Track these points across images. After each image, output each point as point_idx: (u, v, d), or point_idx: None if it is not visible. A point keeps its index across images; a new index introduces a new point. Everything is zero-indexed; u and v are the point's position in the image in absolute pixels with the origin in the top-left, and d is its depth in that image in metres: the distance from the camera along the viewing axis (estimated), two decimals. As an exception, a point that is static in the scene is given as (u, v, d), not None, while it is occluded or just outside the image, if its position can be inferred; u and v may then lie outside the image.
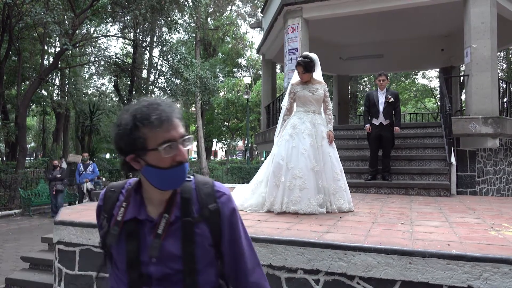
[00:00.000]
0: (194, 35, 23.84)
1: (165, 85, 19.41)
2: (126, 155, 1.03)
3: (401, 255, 2.39)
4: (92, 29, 19.73)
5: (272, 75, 12.68)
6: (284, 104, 4.52)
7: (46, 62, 19.57)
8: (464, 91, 9.78)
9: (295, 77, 4.45)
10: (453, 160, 6.28)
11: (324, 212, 3.88)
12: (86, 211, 4.24)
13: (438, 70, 15.34)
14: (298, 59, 4.31)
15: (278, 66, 15.61)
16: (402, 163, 6.89)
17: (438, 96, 24.12)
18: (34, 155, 36.47)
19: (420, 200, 5.28)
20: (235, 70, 33.36)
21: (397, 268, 2.39)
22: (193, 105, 24.71)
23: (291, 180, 3.90)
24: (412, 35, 11.37)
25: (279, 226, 3.20)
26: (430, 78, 27.64)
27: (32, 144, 36.91)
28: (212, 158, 36.83)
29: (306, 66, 4.17)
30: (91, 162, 11.61)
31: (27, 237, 7.97)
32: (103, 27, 19.49)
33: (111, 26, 19.22)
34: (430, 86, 28.19)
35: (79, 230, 3.68)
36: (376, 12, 8.30)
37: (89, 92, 24.03)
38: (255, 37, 53.68)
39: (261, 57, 13.40)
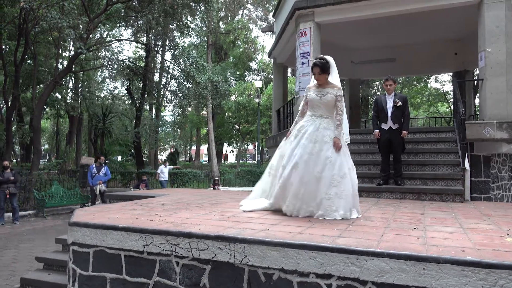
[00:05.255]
0: (206, 39, 24.01)
1: (177, 88, 19.58)
2: None
3: (414, 260, 2.37)
4: (105, 33, 20.02)
5: (283, 79, 12.71)
6: (299, 107, 4.58)
7: (60, 66, 19.92)
8: (478, 95, 9.67)
9: (311, 81, 4.45)
10: (467, 165, 6.21)
11: (292, 215, 3.93)
12: (100, 213, 4.29)
13: (451, 74, 15.17)
14: (315, 60, 4.31)
15: (289, 70, 15.62)
16: (415, 168, 6.83)
17: (451, 100, 23.84)
18: (47, 157, 37.00)
19: (433, 206, 5.22)
20: (246, 73, 33.50)
21: (411, 274, 2.37)
22: (204, 109, 24.85)
23: (277, 178, 4.15)
24: (425, 39, 11.30)
25: (291, 230, 3.20)
26: (443, 82, 27.37)
27: (46, 146, 37.46)
28: (222, 161, 36.95)
29: (322, 67, 4.16)
30: (103, 164, 11.76)
31: (41, 237, 8.11)
32: (116, 31, 19.78)
33: (124, 30, 19.51)
34: (443, 90, 27.90)
35: (93, 231, 3.74)
36: (388, 16, 8.27)
37: (102, 95, 24.36)
38: (267, 41, 53.84)
39: (272, 61, 13.43)
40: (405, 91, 25.99)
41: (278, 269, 2.74)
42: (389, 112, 6.37)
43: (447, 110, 29.07)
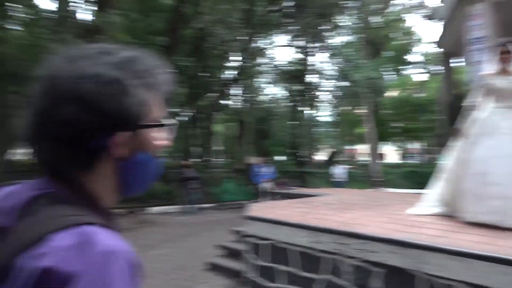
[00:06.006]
0: (359, 36, 23.41)
1: (334, 88, 19.70)
2: (104, 132, 0.62)
3: None
4: (264, 42, 21.52)
5: (452, 70, 11.40)
6: (473, 99, 3.97)
7: (227, 75, 22.33)
8: None
9: (487, 69, 3.90)
10: None
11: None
12: (270, 209, 4.67)
13: None
14: (504, 42, 3.74)
15: (458, 60, 13.91)
16: None
17: None
18: (219, 157, 41.81)
19: None
20: (405, 67, 31.32)
21: None
22: (361, 107, 24.26)
23: (484, 187, 3.34)
24: None
25: (473, 238, 2.86)
26: None
27: (218, 147, 42.40)
28: (382, 161, 35.28)
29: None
30: (268, 164, 12.73)
31: (219, 228, 9.24)
32: (273, 39, 21.10)
33: (278, 36, 20.65)
34: None
35: (265, 225, 4.09)
36: None
37: (264, 99, 26.25)
38: (428, 30, 49.10)
39: (436, 50, 12.21)
40: None
41: (459, 281, 2.49)
42: None
43: None
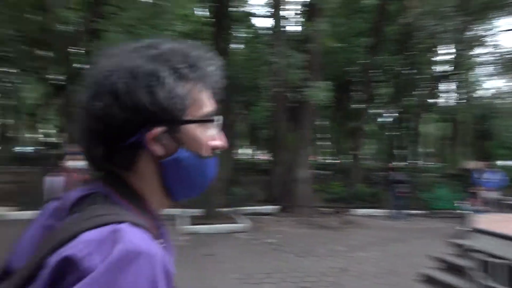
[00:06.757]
0: None
1: None
2: (140, 128, 0.60)
3: None
4: (482, 28, 18.61)
5: None
6: None
7: (437, 71, 20.23)
8: None
9: None
10: None
11: None
12: (502, 222, 4.01)
13: None
14: None
15: None
16: None
17: None
18: (428, 160, 38.19)
19: None
20: None
21: None
22: None
23: None
24: None
25: None
26: None
27: (426, 149, 38.79)
28: None
29: None
30: (493, 169, 10.86)
31: (430, 237, 8.49)
32: (495, 23, 17.95)
33: (505, 19, 17.37)
34: None
35: (496, 240, 3.55)
36: None
37: (484, 94, 22.64)
38: None
39: None
40: None
41: None
42: None
43: None
